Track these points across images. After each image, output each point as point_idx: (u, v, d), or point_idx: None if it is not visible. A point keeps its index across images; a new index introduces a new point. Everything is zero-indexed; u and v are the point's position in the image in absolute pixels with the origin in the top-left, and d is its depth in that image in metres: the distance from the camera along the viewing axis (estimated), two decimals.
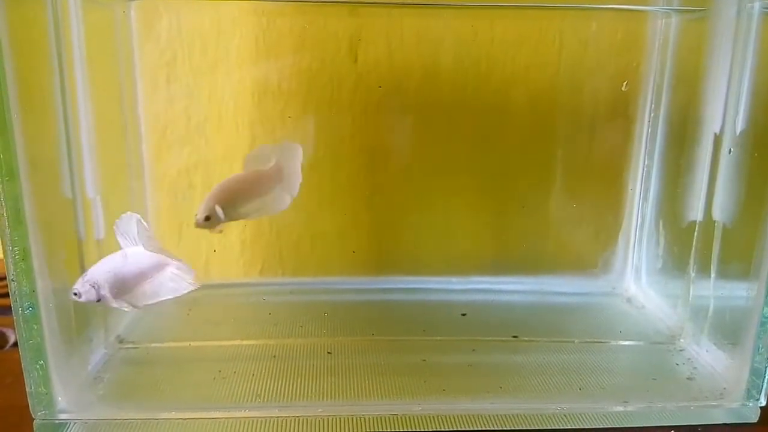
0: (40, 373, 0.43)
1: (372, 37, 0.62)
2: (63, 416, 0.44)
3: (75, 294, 0.44)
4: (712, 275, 0.53)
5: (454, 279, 0.68)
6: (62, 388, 0.45)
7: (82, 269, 0.50)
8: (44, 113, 0.45)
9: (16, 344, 0.44)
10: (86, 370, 0.50)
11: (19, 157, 0.40)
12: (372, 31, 0.62)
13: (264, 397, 0.48)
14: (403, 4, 0.62)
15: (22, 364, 0.43)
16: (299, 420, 0.45)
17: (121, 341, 0.55)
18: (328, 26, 0.62)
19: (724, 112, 0.52)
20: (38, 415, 0.44)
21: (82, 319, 0.50)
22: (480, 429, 0.46)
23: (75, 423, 0.45)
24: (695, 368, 0.53)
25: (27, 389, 0.43)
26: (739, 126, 0.51)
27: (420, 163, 0.65)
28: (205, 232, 0.65)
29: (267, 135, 0.64)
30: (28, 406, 0.44)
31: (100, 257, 0.52)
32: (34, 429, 0.44)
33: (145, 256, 0.45)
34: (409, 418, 0.46)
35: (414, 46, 0.63)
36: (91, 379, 0.49)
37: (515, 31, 0.63)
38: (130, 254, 0.45)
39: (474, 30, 0.63)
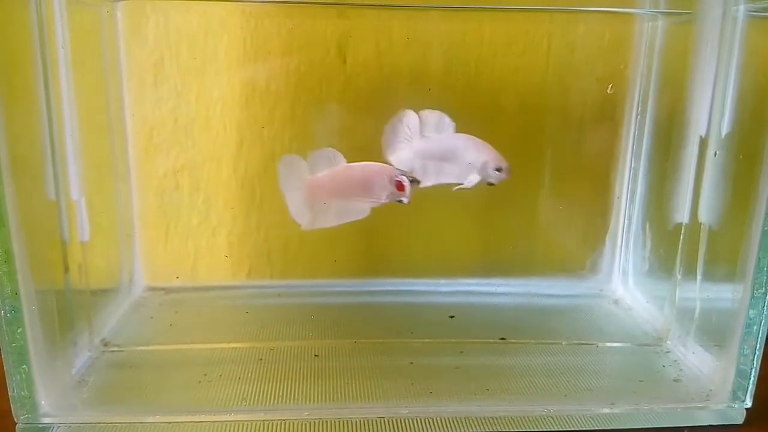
0: (23, 376, 0.43)
1: (361, 39, 0.62)
2: (46, 420, 0.44)
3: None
4: (699, 277, 0.54)
5: (442, 281, 0.68)
6: (45, 392, 0.44)
7: (67, 271, 0.49)
8: (28, 114, 0.45)
9: None
10: (70, 373, 0.49)
11: (2, 158, 0.40)
12: (361, 33, 0.62)
13: (250, 400, 0.47)
14: (392, 6, 0.62)
15: (5, 368, 0.43)
16: (285, 423, 0.45)
17: (105, 344, 0.54)
18: (316, 28, 0.62)
19: (709, 115, 0.52)
20: (21, 419, 0.44)
21: (66, 322, 0.49)
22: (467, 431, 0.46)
23: (58, 427, 0.44)
24: (681, 370, 0.53)
25: (9, 393, 0.43)
26: (725, 129, 0.51)
27: None
28: (193, 233, 0.66)
29: (255, 136, 0.64)
30: (10, 410, 0.43)
31: (85, 259, 0.52)
32: None
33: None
34: (396, 421, 0.46)
35: (403, 48, 0.63)
36: (75, 382, 0.49)
37: (504, 33, 0.63)
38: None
39: (463, 32, 0.63)
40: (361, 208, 0.49)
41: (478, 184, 0.52)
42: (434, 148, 0.52)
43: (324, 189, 0.49)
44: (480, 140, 0.52)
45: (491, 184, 0.52)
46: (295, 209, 0.50)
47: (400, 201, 0.49)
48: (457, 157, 0.52)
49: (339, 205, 0.49)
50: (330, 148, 0.49)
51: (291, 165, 0.49)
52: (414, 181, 0.49)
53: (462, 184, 0.52)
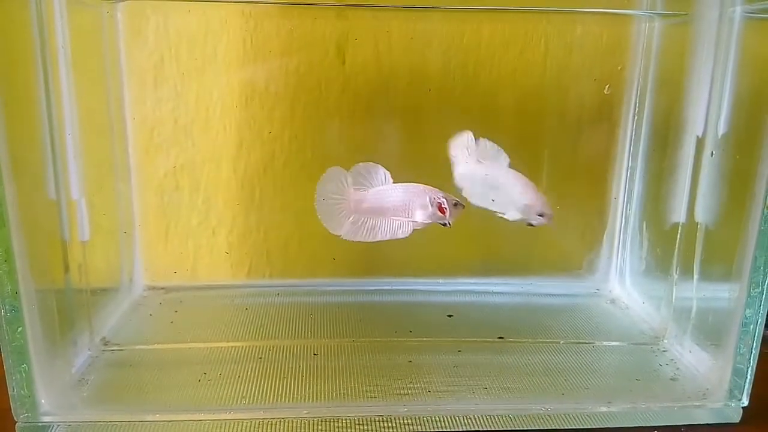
0: (23, 375, 0.43)
1: (360, 40, 0.63)
2: (46, 419, 0.44)
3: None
4: (695, 276, 0.54)
5: (440, 280, 0.68)
6: (45, 391, 0.44)
7: (67, 270, 0.49)
8: (29, 114, 0.45)
9: None
10: (70, 372, 0.49)
11: (2, 158, 0.40)
12: (360, 34, 0.63)
13: (249, 399, 0.48)
14: (391, 8, 0.62)
15: (5, 367, 0.43)
16: (285, 422, 0.45)
17: (105, 343, 0.55)
18: (315, 29, 0.62)
19: (706, 116, 0.53)
20: (21, 418, 0.44)
21: (67, 321, 0.49)
22: (465, 430, 0.46)
23: (58, 426, 0.44)
24: (678, 369, 0.53)
25: (9, 392, 0.43)
26: (721, 129, 0.51)
27: (407, 164, 0.65)
28: (193, 233, 0.66)
29: (254, 137, 0.64)
30: (10, 408, 0.43)
31: (85, 259, 0.52)
32: None
33: None
34: (395, 419, 0.46)
35: (402, 49, 0.63)
36: (75, 381, 0.49)
37: (502, 34, 0.63)
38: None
39: (461, 33, 0.63)
40: (404, 228, 0.50)
41: (518, 221, 0.53)
42: (484, 177, 0.53)
43: (366, 204, 0.50)
44: (528, 181, 0.53)
45: (531, 225, 0.53)
46: (333, 221, 0.50)
47: (443, 224, 0.50)
48: (503, 191, 0.53)
49: (382, 222, 0.50)
50: (375, 163, 0.50)
51: (335, 177, 0.50)
52: (458, 205, 0.50)
53: (503, 214, 0.53)
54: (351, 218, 0.50)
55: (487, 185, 0.53)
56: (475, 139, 0.53)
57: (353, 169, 0.50)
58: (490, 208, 0.53)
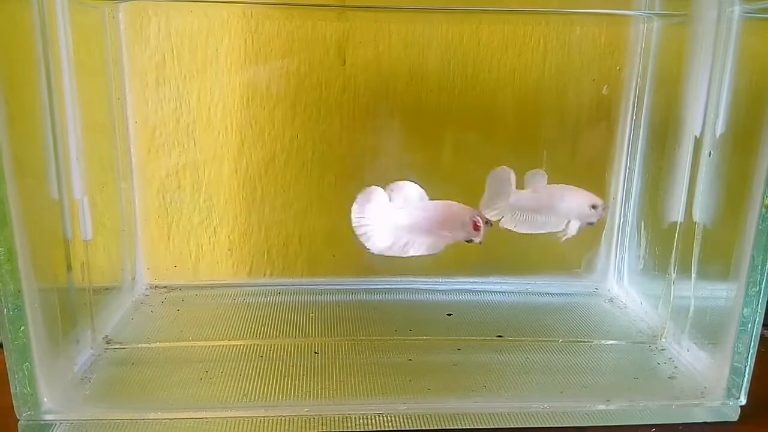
0: (26, 373, 0.43)
1: (360, 41, 0.63)
2: (48, 417, 0.44)
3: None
4: (693, 276, 0.54)
5: (440, 279, 0.69)
6: (48, 389, 0.45)
7: (69, 269, 0.50)
8: (31, 114, 0.46)
9: (1, 345, 0.44)
10: (73, 370, 0.50)
11: (5, 158, 0.40)
12: (360, 35, 0.63)
13: (251, 397, 0.48)
14: (391, 9, 0.63)
15: (7, 365, 0.43)
16: (286, 420, 0.46)
17: (108, 341, 0.55)
18: (316, 29, 0.62)
19: (704, 116, 0.53)
20: (23, 416, 0.44)
21: (69, 319, 0.50)
22: (464, 428, 0.46)
23: (60, 424, 0.45)
24: (676, 367, 0.53)
25: (12, 390, 0.43)
26: (719, 129, 0.51)
27: (406, 164, 0.65)
28: (195, 232, 0.66)
29: (256, 137, 0.64)
30: (12, 406, 0.44)
31: (88, 258, 0.52)
32: (19, 430, 0.44)
33: None
34: (395, 417, 0.46)
35: (401, 50, 0.63)
36: (77, 379, 0.49)
37: (501, 35, 0.64)
38: None
39: (460, 34, 0.63)
40: (436, 245, 0.51)
41: (581, 228, 0.54)
42: (527, 203, 0.54)
43: (404, 222, 0.50)
44: (572, 186, 0.54)
45: (592, 224, 0.54)
46: (371, 239, 0.51)
47: (471, 241, 0.50)
48: (552, 207, 0.54)
49: (416, 239, 0.50)
50: (411, 182, 0.51)
51: (373, 196, 0.50)
52: (488, 223, 0.51)
53: (565, 233, 0.54)
54: (387, 235, 0.50)
55: (530, 210, 0.54)
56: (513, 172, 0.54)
57: (390, 186, 0.50)
58: (543, 230, 0.54)
